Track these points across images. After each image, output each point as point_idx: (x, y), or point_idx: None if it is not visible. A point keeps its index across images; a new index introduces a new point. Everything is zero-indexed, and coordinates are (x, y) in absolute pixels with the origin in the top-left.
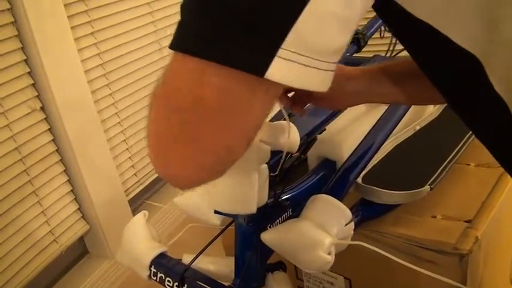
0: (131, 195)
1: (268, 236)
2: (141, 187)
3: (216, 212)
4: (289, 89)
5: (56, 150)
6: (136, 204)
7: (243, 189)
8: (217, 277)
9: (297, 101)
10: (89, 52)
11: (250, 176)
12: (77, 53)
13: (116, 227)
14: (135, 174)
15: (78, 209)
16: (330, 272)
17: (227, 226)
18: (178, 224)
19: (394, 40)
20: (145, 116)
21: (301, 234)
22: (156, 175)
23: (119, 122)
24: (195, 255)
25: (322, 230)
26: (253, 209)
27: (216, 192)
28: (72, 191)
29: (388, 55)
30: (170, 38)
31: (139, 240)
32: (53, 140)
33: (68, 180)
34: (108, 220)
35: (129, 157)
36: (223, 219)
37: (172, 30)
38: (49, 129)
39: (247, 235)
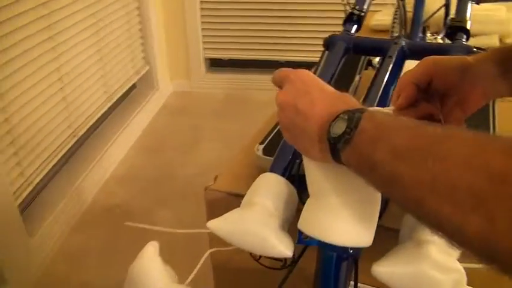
0: (19, 200)
1: (384, 270)
2: (30, 187)
3: (301, 241)
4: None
5: None
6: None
7: (363, 213)
8: None
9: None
10: None
11: (374, 194)
12: None
13: (8, 246)
14: (22, 172)
15: None
16: None
17: (298, 258)
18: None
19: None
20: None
21: (437, 265)
22: (47, 170)
23: (3, 107)
24: None
25: (450, 256)
26: (370, 240)
27: (316, 216)
28: None
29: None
30: None
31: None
32: None
33: None
34: None
35: (14, 152)
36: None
37: None
38: None
39: (342, 268)
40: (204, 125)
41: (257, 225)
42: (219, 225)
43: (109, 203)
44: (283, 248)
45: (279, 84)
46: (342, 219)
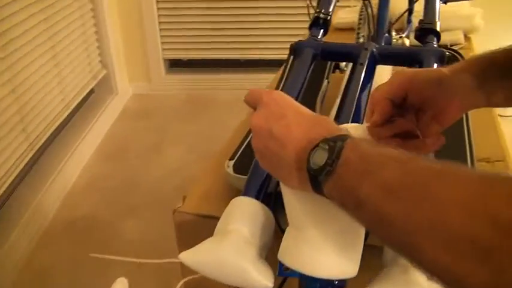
0: None
1: None
2: None
3: (282, 273)
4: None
5: None
6: None
7: (346, 243)
8: None
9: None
10: None
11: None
12: None
13: None
14: None
15: None
16: None
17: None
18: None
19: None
20: None
21: None
22: (6, 187)
23: None
24: None
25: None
26: (355, 270)
27: (297, 247)
28: None
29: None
30: None
31: None
32: None
33: None
34: None
35: None
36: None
37: None
38: None
39: None
40: (166, 128)
41: (233, 255)
42: (192, 257)
43: (73, 215)
44: (263, 278)
45: (252, 105)
46: (325, 252)
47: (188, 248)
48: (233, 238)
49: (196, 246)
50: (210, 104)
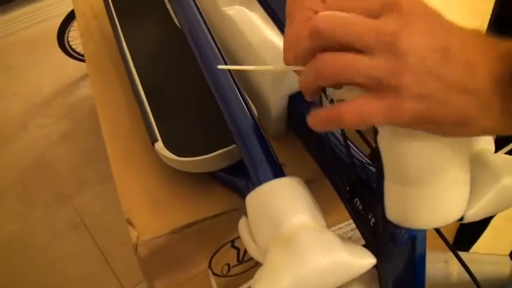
0: None
1: (473, 210)
2: None
3: (411, 237)
4: None
5: None
6: None
7: (459, 184)
8: None
9: None
10: None
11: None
12: None
13: None
14: None
15: None
16: None
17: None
18: None
19: None
20: None
21: (508, 170)
22: None
23: None
24: None
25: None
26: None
27: (411, 206)
28: None
29: None
30: None
31: None
32: None
33: None
34: None
35: None
36: None
37: None
38: None
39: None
40: None
41: (321, 256)
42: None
43: None
44: (364, 257)
45: (376, 12)
46: (444, 203)
47: (163, 277)
48: (304, 235)
49: (263, 274)
50: None
